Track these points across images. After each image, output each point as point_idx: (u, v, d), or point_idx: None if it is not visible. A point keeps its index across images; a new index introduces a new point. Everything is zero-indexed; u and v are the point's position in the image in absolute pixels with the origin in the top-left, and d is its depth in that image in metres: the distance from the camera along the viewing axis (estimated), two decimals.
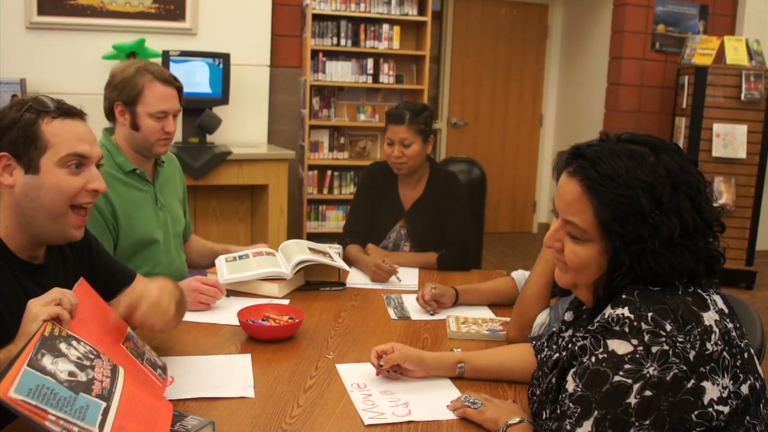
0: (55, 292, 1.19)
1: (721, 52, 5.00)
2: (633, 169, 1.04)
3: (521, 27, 6.43)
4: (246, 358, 1.57)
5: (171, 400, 1.31)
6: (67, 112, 1.36)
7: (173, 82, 2.07)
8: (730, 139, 4.88)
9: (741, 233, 4.99)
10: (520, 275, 2.09)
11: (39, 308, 1.15)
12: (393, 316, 1.94)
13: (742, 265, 5.02)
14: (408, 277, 2.33)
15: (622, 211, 1.04)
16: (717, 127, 4.88)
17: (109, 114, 2.09)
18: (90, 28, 4.13)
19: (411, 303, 2.05)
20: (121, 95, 2.03)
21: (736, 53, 4.94)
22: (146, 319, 1.38)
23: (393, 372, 1.47)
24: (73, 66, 4.11)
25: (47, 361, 1.03)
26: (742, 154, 4.88)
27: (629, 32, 5.45)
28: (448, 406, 1.35)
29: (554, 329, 1.46)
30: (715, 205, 1.10)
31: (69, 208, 1.36)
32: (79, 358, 1.09)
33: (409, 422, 1.29)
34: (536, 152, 6.69)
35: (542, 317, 1.68)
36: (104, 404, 1.05)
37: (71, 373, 1.04)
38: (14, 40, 4.01)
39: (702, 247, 1.05)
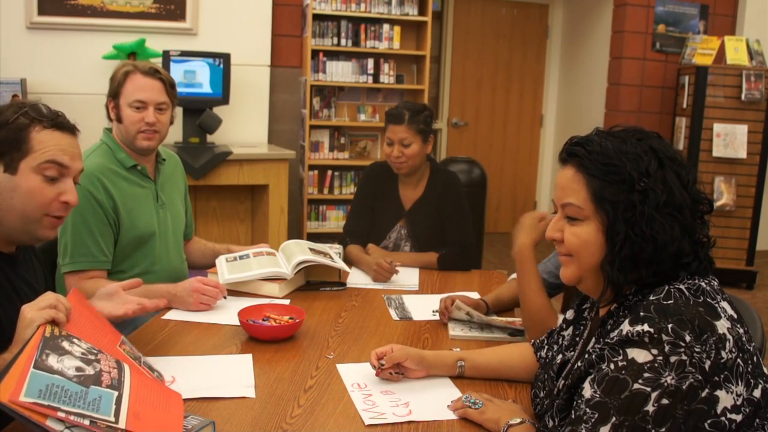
0: (50, 297, 1.20)
1: (721, 52, 5.00)
2: (619, 145, 1.12)
3: (521, 27, 6.43)
4: (247, 358, 1.57)
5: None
6: (60, 125, 1.40)
7: (155, 74, 2.08)
8: (730, 139, 4.88)
9: (741, 233, 4.99)
10: None
11: (34, 313, 1.16)
12: (395, 317, 1.94)
13: (743, 265, 5.02)
14: (408, 277, 2.33)
15: (612, 180, 1.10)
16: (717, 127, 4.88)
17: (108, 114, 2.13)
18: (90, 28, 4.13)
19: (412, 303, 2.05)
20: (109, 90, 2.10)
21: (736, 53, 4.94)
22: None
23: (394, 373, 1.47)
24: (73, 66, 4.11)
25: (53, 360, 1.03)
26: (742, 154, 4.88)
27: (629, 32, 5.45)
28: (448, 406, 1.35)
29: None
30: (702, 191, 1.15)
31: (43, 215, 1.39)
32: (83, 353, 1.10)
33: (409, 422, 1.29)
34: (536, 152, 6.69)
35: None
36: (116, 393, 1.06)
37: (78, 369, 1.05)
38: (14, 40, 4.01)
39: (689, 222, 1.09)
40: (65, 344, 1.09)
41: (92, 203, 1.96)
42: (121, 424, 1.01)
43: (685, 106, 5.06)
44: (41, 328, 1.12)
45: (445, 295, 1.93)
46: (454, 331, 1.81)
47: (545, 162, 6.71)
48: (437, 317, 1.91)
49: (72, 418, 0.97)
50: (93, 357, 1.10)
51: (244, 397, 1.36)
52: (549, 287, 2.12)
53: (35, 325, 1.13)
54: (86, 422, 0.98)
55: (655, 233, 1.07)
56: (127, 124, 2.05)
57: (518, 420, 1.24)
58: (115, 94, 2.07)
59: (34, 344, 1.05)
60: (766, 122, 4.91)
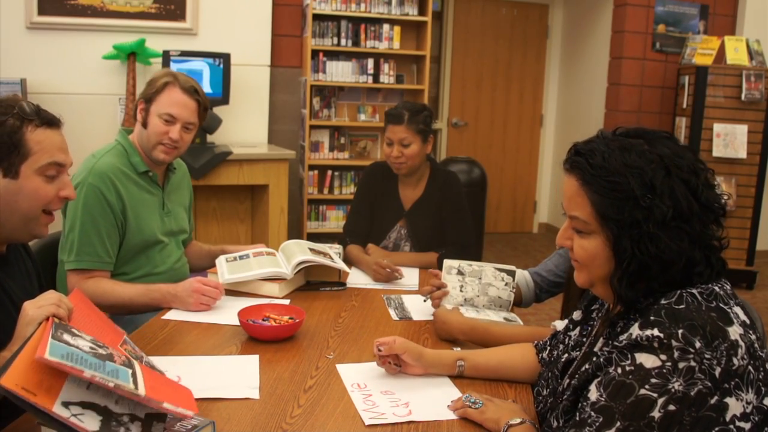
0: (53, 296, 1.21)
1: (721, 52, 5.00)
2: (623, 157, 1.08)
3: (521, 27, 6.43)
4: (254, 359, 1.56)
5: None
6: (49, 122, 1.42)
7: (194, 94, 2.07)
8: (730, 139, 4.88)
9: (741, 233, 4.99)
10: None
11: (35, 310, 1.17)
12: (394, 317, 1.94)
13: (743, 265, 5.02)
14: (408, 277, 2.33)
15: (615, 197, 1.07)
16: (717, 127, 4.88)
17: (134, 113, 2.13)
18: (90, 28, 4.13)
19: (411, 303, 2.05)
20: (145, 92, 2.09)
21: (736, 53, 4.94)
22: None
23: (393, 365, 1.47)
24: (73, 66, 4.11)
25: (68, 338, 1.05)
26: (742, 154, 4.88)
27: (629, 32, 5.45)
28: (448, 406, 1.35)
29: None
30: (718, 192, 1.11)
31: (41, 212, 1.43)
32: (92, 341, 1.11)
33: (409, 422, 1.29)
34: (536, 152, 6.69)
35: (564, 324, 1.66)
36: (130, 370, 1.07)
37: (92, 347, 1.06)
38: (14, 40, 4.01)
39: (699, 231, 1.07)
40: (74, 331, 1.11)
41: (102, 203, 1.96)
42: (141, 392, 1.02)
43: (685, 106, 5.06)
44: (48, 320, 1.13)
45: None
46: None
47: (545, 162, 6.71)
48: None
49: (98, 379, 0.98)
50: (101, 345, 1.12)
51: (247, 398, 1.36)
52: (548, 285, 2.12)
53: (36, 323, 1.14)
54: (111, 385, 0.99)
55: (661, 252, 1.04)
56: (151, 132, 2.05)
57: (518, 420, 1.24)
58: (149, 99, 2.06)
59: (44, 330, 1.06)
60: (766, 122, 4.91)
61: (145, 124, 2.07)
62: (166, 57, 4.00)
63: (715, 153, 4.87)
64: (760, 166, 4.95)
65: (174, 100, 2.04)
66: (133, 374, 1.06)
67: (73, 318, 1.22)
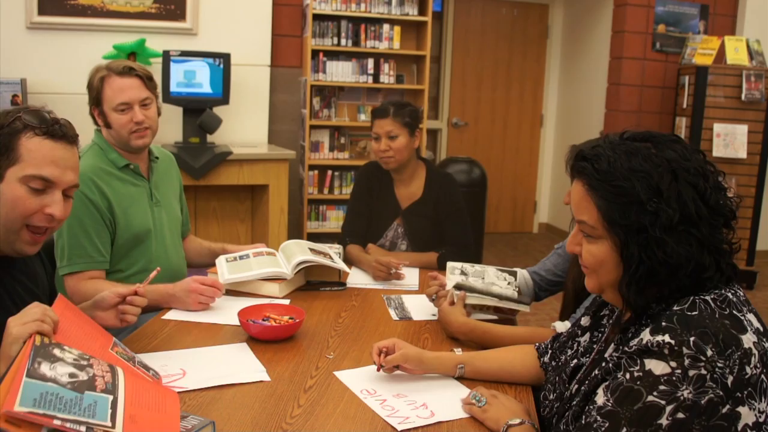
0: (36, 311, 1.16)
1: (721, 52, 5.00)
2: (629, 162, 1.07)
3: (522, 27, 6.44)
4: (243, 347, 1.61)
5: (187, 391, 1.34)
6: (53, 133, 1.34)
7: (130, 72, 2.06)
8: (730, 139, 4.88)
9: (741, 233, 4.98)
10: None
11: (19, 328, 1.13)
12: (394, 317, 1.94)
13: (743, 265, 5.02)
14: (408, 277, 2.33)
15: (621, 202, 1.06)
16: (717, 127, 4.88)
17: (94, 120, 2.13)
18: (90, 28, 4.14)
19: (411, 303, 2.05)
20: (90, 99, 2.08)
21: (736, 53, 4.94)
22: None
23: (389, 366, 1.47)
24: (73, 66, 4.09)
25: (45, 368, 1.02)
26: (742, 154, 4.88)
27: (630, 32, 5.45)
28: (462, 400, 1.35)
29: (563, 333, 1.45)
30: (730, 195, 1.10)
31: (24, 225, 1.35)
32: (75, 359, 1.08)
33: (438, 423, 1.28)
34: (536, 152, 6.69)
35: (567, 326, 1.66)
36: (111, 397, 1.05)
37: (72, 375, 1.04)
38: (14, 40, 4.02)
39: (707, 235, 1.05)
40: (56, 351, 1.08)
41: (87, 204, 1.97)
42: (118, 429, 1.01)
43: (685, 106, 5.06)
44: (30, 338, 1.10)
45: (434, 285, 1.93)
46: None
47: (545, 162, 6.71)
48: (437, 317, 1.91)
49: (68, 425, 0.96)
50: (85, 362, 1.09)
51: (246, 395, 1.36)
52: (547, 284, 2.12)
53: (21, 342, 1.11)
54: (83, 428, 0.97)
55: (668, 257, 1.03)
56: (117, 127, 2.05)
57: (518, 420, 1.23)
58: (96, 101, 2.06)
59: (24, 354, 1.04)
60: (766, 122, 4.92)
61: (108, 125, 2.07)
62: (166, 57, 4.00)
63: (715, 153, 4.87)
64: (760, 166, 4.96)
65: (117, 89, 2.03)
66: (114, 402, 1.04)
67: (60, 329, 1.19)
